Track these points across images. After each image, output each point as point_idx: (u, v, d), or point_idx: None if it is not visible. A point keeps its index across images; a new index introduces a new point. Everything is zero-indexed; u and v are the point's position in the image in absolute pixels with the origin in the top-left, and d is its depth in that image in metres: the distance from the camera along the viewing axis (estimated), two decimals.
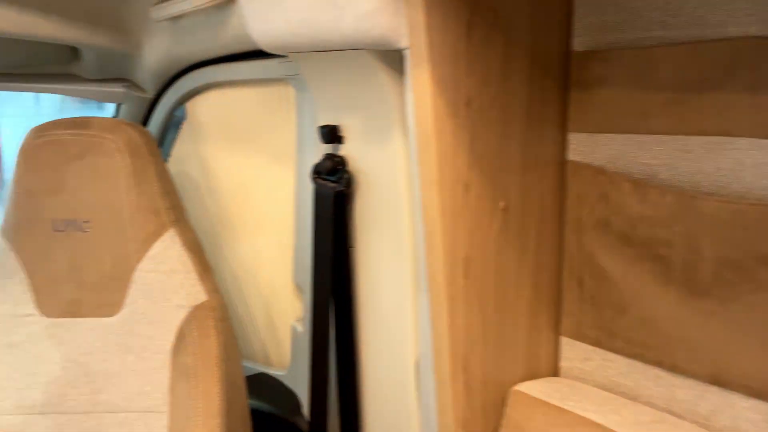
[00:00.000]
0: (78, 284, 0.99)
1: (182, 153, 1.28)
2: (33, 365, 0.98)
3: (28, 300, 0.99)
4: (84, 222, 0.98)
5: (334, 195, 0.81)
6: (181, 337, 0.96)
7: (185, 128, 1.27)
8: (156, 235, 0.99)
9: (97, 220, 0.98)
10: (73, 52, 1.18)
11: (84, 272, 0.99)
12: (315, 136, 0.94)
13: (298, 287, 1.07)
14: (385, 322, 0.82)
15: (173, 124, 1.32)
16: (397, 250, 0.78)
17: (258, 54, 1.02)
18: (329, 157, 0.82)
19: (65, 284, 0.99)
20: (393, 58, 0.71)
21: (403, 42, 0.64)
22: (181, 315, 0.97)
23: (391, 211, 0.77)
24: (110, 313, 0.99)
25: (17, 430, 0.96)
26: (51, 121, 1.01)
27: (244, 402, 1.01)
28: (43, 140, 0.99)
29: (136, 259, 0.99)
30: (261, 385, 1.17)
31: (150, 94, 1.28)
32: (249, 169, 1.14)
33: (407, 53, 0.65)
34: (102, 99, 1.29)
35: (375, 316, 0.84)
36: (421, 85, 0.63)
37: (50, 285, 0.99)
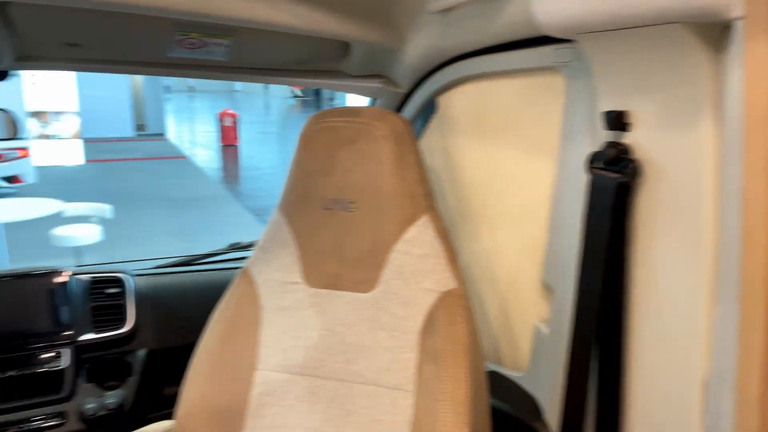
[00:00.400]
0: (340, 259, 1.06)
1: (428, 146, 1.32)
2: (297, 329, 1.08)
3: (297, 270, 1.10)
4: (350, 202, 1.05)
5: (616, 186, 0.75)
6: (430, 320, 0.98)
7: (434, 122, 1.31)
8: (412, 219, 1.03)
9: (361, 201, 1.05)
10: (344, 49, 1.29)
11: (346, 249, 1.06)
12: (585, 127, 0.89)
13: (546, 286, 1.02)
14: (667, 331, 0.74)
15: (419, 118, 1.36)
16: (690, 251, 0.70)
17: (522, 43, 1.00)
18: (612, 145, 0.76)
19: (329, 258, 1.07)
20: (709, 32, 0.64)
21: (735, 11, 0.57)
22: (430, 299, 0.99)
23: (687, 206, 0.70)
24: (366, 290, 1.04)
25: (279, 386, 1.06)
26: (328, 110, 1.10)
27: (486, 394, 0.99)
28: (320, 126, 1.08)
29: (393, 240, 1.03)
30: (491, 382, 1.15)
31: (404, 89, 1.34)
32: (499, 161, 1.13)
33: (738, 24, 0.57)
34: (361, 93, 1.39)
35: (653, 325, 0.76)
36: (756, 60, 0.56)
37: (316, 258, 1.08)
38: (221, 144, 13.91)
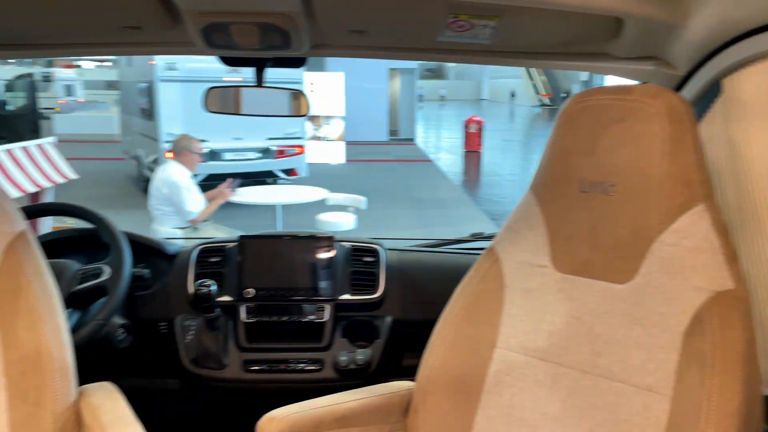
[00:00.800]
0: (593, 246, 1.01)
1: (708, 135, 1.17)
2: (540, 313, 1.05)
3: (545, 253, 1.07)
4: (610, 185, 0.99)
5: None
6: (697, 321, 0.87)
7: (717, 107, 1.16)
8: (683, 207, 0.93)
9: (622, 184, 0.98)
10: (615, 28, 1.22)
11: (601, 235, 1.00)
12: None
13: None
14: None
15: (698, 104, 1.22)
16: None
17: None
18: None
19: (580, 244, 1.02)
20: None
21: None
22: (700, 298, 0.88)
23: None
24: (621, 280, 0.97)
25: (518, 367, 1.05)
26: (594, 88, 1.05)
27: (760, 414, 0.85)
28: (583, 105, 1.04)
29: (658, 229, 0.94)
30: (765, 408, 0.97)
31: (681, 72, 1.21)
32: None
33: None
34: (629, 77, 1.30)
35: None
36: None
37: (566, 242, 1.04)
38: (464, 150, 14.32)
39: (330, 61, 15.12)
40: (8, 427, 1.02)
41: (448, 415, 1.09)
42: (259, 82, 1.31)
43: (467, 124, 14.27)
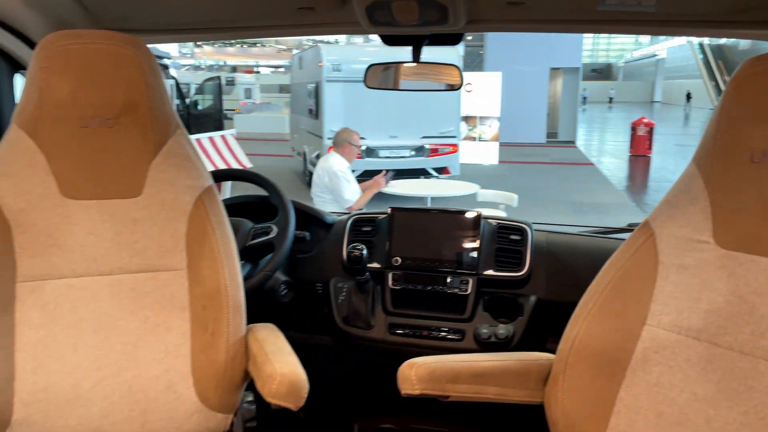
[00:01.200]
0: (763, 220, 0.92)
1: None
2: (698, 291, 0.99)
3: (707, 228, 1.00)
4: None
5: None
6: None
7: None
8: None
9: None
10: None
11: None
12: None
13: None
14: None
15: None
16: None
17: None
18: None
19: (748, 218, 0.94)
20: None
21: None
22: None
23: None
24: None
25: (669, 345, 0.99)
26: None
27: None
28: (757, 69, 0.96)
29: None
30: None
31: None
32: None
33: None
34: None
35: None
36: None
37: (732, 216, 0.97)
38: (630, 154, 13.39)
39: (488, 61, 15.01)
40: (190, 353, 1.19)
41: (589, 387, 1.07)
42: (416, 59, 1.38)
43: (635, 127, 13.33)
